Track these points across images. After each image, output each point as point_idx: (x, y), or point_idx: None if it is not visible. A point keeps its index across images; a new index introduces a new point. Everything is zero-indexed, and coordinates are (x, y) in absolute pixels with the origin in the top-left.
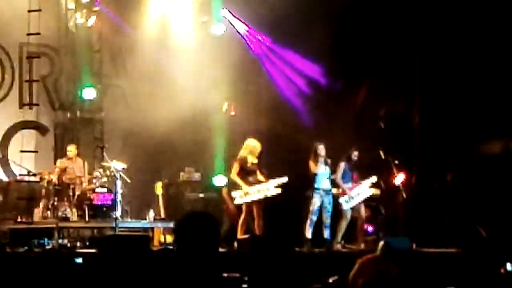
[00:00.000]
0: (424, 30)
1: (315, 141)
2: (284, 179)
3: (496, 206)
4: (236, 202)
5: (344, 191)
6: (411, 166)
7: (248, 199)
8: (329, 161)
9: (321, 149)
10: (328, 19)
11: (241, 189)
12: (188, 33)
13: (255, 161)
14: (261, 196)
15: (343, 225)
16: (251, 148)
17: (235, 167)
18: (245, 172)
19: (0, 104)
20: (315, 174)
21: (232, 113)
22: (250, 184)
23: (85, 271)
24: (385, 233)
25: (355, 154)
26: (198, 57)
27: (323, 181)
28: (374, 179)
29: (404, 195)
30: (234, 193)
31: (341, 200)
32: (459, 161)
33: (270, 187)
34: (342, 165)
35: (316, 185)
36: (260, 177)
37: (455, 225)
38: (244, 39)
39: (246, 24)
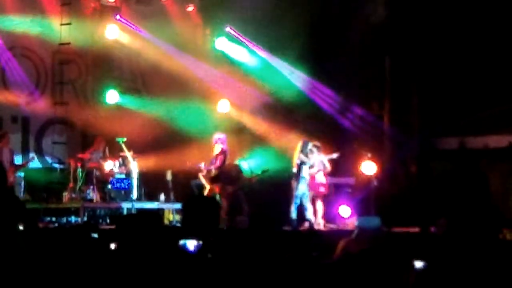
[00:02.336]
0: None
1: (303, 139)
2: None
3: (454, 193)
4: None
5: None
6: (381, 158)
7: None
8: (310, 156)
9: (309, 145)
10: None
11: None
12: (195, 43)
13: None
14: None
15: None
16: None
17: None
18: None
19: (36, 102)
20: (301, 165)
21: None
22: None
23: (100, 244)
24: (360, 214)
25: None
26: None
27: (306, 171)
28: (335, 155)
29: (376, 183)
30: None
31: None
32: (422, 154)
33: None
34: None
35: (302, 175)
36: None
37: (418, 208)
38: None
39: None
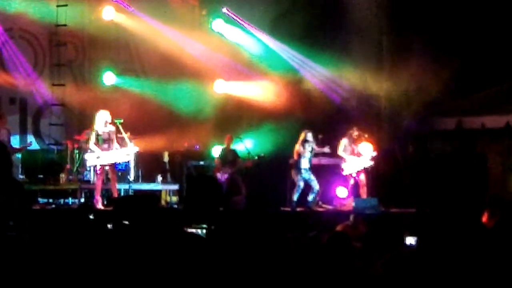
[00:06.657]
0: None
1: (304, 129)
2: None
3: (449, 173)
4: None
5: (345, 159)
6: (379, 139)
7: None
8: (315, 146)
9: (310, 136)
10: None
11: None
12: (192, 24)
13: None
14: None
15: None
16: None
17: None
18: None
19: (34, 84)
20: (300, 156)
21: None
22: None
23: (97, 225)
24: (357, 196)
25: (355, 133)
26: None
27: (306, 162)
28: (374, 153)
29: (372, 164)
30: None
31: (343, 165)
32: (419, 135)
33: None
34: (343, 141)
35: (301, 166)
36: None
37: (415, 189)
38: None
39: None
